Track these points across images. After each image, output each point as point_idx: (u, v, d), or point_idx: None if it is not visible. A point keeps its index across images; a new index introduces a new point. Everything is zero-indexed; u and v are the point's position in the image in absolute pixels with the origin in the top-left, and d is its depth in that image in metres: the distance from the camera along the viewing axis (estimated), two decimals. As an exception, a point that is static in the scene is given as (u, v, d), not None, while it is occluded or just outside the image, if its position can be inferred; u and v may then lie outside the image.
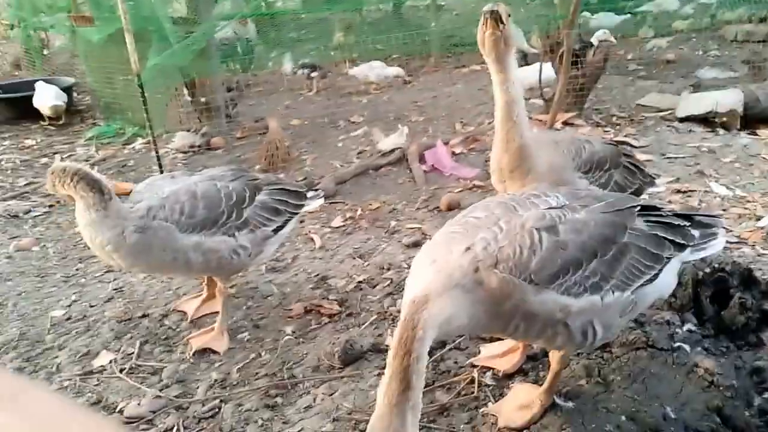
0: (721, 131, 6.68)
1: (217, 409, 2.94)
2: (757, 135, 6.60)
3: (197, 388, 3.10)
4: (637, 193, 3.64)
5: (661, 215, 2.48)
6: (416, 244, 4.39)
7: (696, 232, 2.55)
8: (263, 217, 3.40)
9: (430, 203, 5.18)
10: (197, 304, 3.76)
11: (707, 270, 3.24)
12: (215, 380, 3.15)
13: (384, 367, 3.05)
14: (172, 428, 2.83)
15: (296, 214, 3.61)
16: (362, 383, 3.01)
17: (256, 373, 3.18)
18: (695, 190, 5.16)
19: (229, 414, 2.89)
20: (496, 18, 2.80)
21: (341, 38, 10.09)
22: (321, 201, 3.87)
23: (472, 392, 2.85)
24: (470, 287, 2.05)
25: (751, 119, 6.85)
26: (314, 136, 7.33)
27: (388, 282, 3.93)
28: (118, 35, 5.64)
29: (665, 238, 2.40)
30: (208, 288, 3.81)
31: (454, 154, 6.23)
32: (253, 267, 3.94)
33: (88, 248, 3.28)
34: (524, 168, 3.02)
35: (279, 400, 2.97)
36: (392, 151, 6.13)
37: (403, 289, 3.74)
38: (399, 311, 3.47)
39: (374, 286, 3.91)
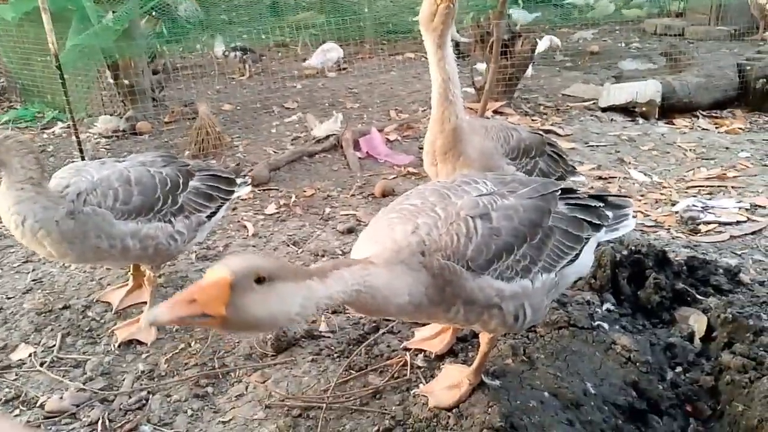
0: (641, 120, 7.04)
1: (144, 401, 2.86)
2: (674, 124, 6.99)
3: (123, 380, 3.01)
4: (560, 180, 3.79)
5: (578, 198, 2.60)
6: (350, 231, 4.40)
7: (610, 213, 2.70)
8: (197, 203, 3.37)
9: (365, 190, 5.20)
10: (122, 294, 3.64)
11: (625, 252, 3.42)
12: (142, 372, 3.06)
13: (318, 353, 3.09)
14: (97, 422, 2.73)
15: (228, 200, 3.59)
16: (295, 370, 3.00)
17: (186, 363, 3.11)
18: (615, 177, 5.42)
19: (157, 405, 2.82)
20: None
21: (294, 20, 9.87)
22: (248, 188, 3.86)
23: (405, 375, 2.90)
24: (416, 267, 2.08)
25: (668, 109, 7.25)
26: (247, 121, 7.19)
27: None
28: (35, 14, 5.33)
29: (584, 220, 2.53)
30: (133, 278, 3.69)
31: (388, 141, 6.27)
32: (183, 255, 3.84)
33: (4, 237, 3.08)
34: (457, 150, 3.08)
35: (209, 389, 2.92)
36: (327, 137, 6.10)
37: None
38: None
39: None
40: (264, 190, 5.24)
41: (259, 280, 1.61)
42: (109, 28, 5.49)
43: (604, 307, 3.24)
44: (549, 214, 2.40)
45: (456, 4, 2.90)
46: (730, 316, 3.00)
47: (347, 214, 4.70)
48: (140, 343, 3.28)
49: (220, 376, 3.00)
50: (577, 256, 2.49)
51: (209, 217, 3.45)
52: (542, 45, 9.47)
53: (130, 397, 2.88)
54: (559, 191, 2.53)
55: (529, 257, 2.29)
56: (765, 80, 7.29)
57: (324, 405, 2.72)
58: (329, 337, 3.24)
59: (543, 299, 2.40)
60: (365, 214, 4.64)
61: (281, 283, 1.65)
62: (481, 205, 2.27)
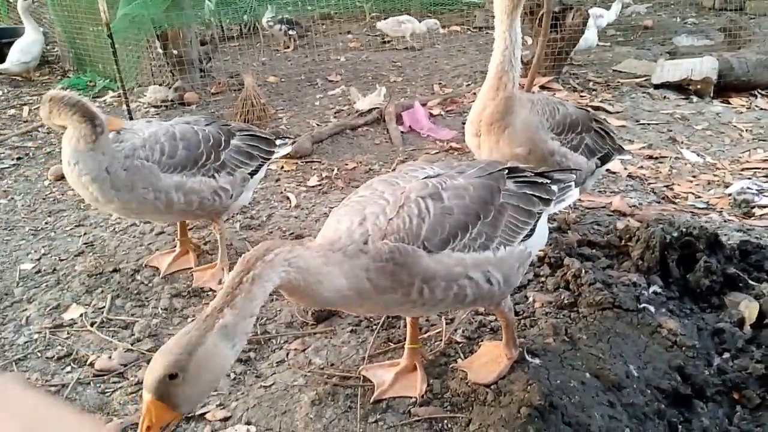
0: (695, 98, 6.76)
1: (189, 364, 2.94)
2: (730, 103, 6.69)
3: (169, 342, 3.10)
4: (606, 158, 3.69)
5: (525, 175, 2.56)
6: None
7: (555, 187, 2.65)
8: (239, 160, 3.49)
9: (412, 158, 5.18)
10: (169, 260, 3.73)
11: (675, 234, 3.31)
12: (188, 335, 3.15)
13: (357, 324, 3.12)
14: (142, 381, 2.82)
15: (268, 159, 3.68)
16: (335, 339, 3.04)
17: (229, 329, 3.18)
18: (666, 157, 5.24)
19: (202, 368, 2.90)
20: None
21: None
22: (288, 149, 3.93)
23: (443, 349, 2.90)
24: (353, 253, 2.04)
25: (724, 87, 6.93)
26: (291, 93, 7.20)
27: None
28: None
29: (533, 195, 2.50)
30: (180, 244, 3.79)
31: (431, 115, 6.20)
32: (228, 223, 3.91)
33: (57, 201, 3.22)
34: (504, 122, 3.04)
35: (252, 354, 2.99)
36: (370, 111, 6.07)
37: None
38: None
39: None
40: (307, 162, 5.27)
41: (172, 376, 1.66)
42: (158, -4, 5.55)
43: (651, 289, 3.16)
44: (498, 191, 2.38)
45: None
46: (786, 301, 2.89)
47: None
48: (188, 305, 3.38)
49: (262, 342, 3.07)
50: (533, 230, 2.48)
51: (251, 174, 3.55)
52: (612, 13, 9.16)
53: (175, 359, 2.97)
54: (506, 170, 2.49)
55: (485, 235, 2.27)
56: (832, 58, 6.89)
57: (362, 375, 2.75)
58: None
59: (512, 269, 2.37)
60: (407, 189, 4.62)
61: (194, 361, 1.66)
62: (431, 185, 2.25)
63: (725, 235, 3.65)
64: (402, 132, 5.74)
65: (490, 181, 2.40)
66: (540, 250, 3.30)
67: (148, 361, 2.94)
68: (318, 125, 6.12)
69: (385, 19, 9.50)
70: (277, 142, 3.82)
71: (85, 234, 4.21)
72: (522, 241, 2.44)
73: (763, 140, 5.56)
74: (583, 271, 3.17)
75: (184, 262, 3.74)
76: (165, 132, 3.28)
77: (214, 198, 3.35)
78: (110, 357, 2.98)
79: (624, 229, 3.59)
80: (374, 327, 3.10)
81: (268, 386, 2.75)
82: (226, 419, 2.59)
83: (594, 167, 3.53)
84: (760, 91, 7.02)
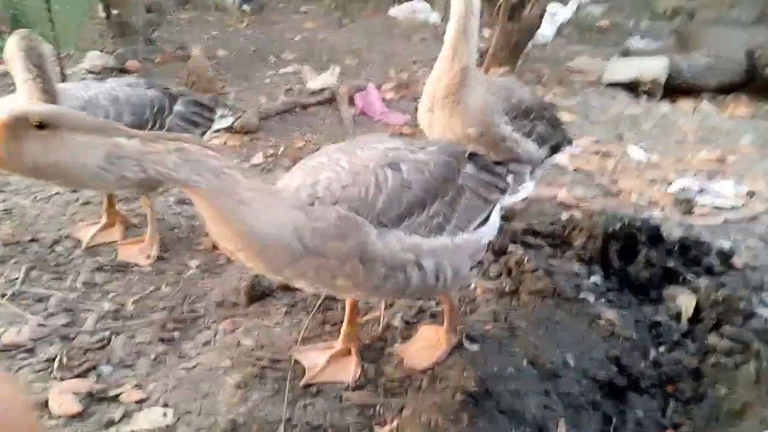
0: (644, 98, 6.86)
1: (106, 341, 2.74)
2: (677, 105, 6.82)
3: (86, 318, 2.88)
4: (557, 147, 3.64)
5: (484, 160, 2.49)
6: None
7: (510, 178, 2.59)
8: (182, 128, 3.29)
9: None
10: (94, 231, 3.48)
11: (617, 226, 3.30)
12: (107, 311, 2.93)
13: (293, 305, 2.98)
14: (54, 358, 2.61)
15: (210, 128, 3.47)
16: (267, 320, 2.89)
17: (153, 307, 2.99)
18: (613, 153, 5.27)
19: (120, 346, 2.70)
20: None
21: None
22: (230, 120, 3.73)
23: (379, 333, 2.79)
24: (292, 206, 1.88)
25: (673, 89, 7.07)
26: (241, 69, 6.93)
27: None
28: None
29: (490, 182, 2.43)
30: (107, 215, 3.54)
31: (384, 99, 6.07)
32: (166, 186, 3.68)
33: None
34: (458, 96, 2.93)
35: (176, 334, 2.80)
36: (322, 90, 5.89)
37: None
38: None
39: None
40: (252, 138, 5.05)
41: (41, 127, 1.53)
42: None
43: (592, 279, 3.14)
44: (458, 172, 2.29)
45: None
46: (721, 297, 2.92)
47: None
48: (110, 280, 3.16)
49: (188, 322, 2.89)
50: (488, 218, 2.39)
51: None
52: (568, 11, 9.22)
53: (91, 336, 2.76)
54: (467, 153, 2.41)
55: (443, 215, 2.16)
56: (773, 67, 7.12)
57: (293, 358, 2.61)
58: (304, 293, 3.11)
59: (465, 260, 2.26)
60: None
61: (73, 133, 1.56)
62: (390, 156, 2.13)
63: (666, 230, 3.64)
64: (354, 114, 5.59)
65: (451, 159, 2.29)
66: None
67: (61, 337, 2.76)
68: (267, 102, 5.90)
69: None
70: (218, 111, 3.64)
71: (3, 201, 3.90)
72: (477, 228, 2.34)
73: (707, 142, 5.66)
74: (526, 258, 3.12)
75: (110, 235, 3.50)
76: (107, 96, 3.05)
77: None
78: (19, 331, 2.74)
79: (568, 219, 3.57)
80: (310, 309, 2.96)
81: (191, 367, 2.59)
82: (141, 401, 2.40)
83: (544, 156, 3.48)
84: (706, 94, 7.18)
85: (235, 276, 3.18)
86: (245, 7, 9.13)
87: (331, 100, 5.82)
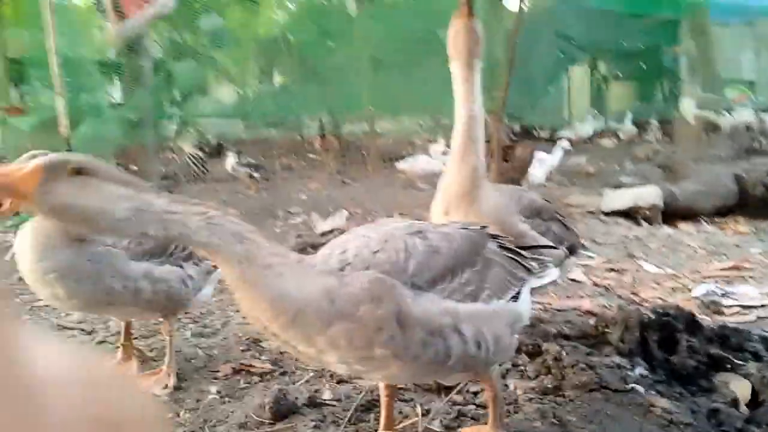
0: (644, 224, 7.02)
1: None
2: (678, 228, 6.96)
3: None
4: (573, 249, 3.66)
5: (506, 241, 2.48)
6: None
7: (533, 263, 2.54)
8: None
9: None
10: (110, 365, 3.35)
11: (652, 316, 3.21)
12: (124, 441, 2.71)
13: (321, 420, 2.77)
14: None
15: None
16: (295, 437, 2.67)
17: (173, 433, 2.78)
18: (627, 269, 5.27)
19: (138, 473, 2.46)
20: (470, 3, 2.85)
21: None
22: None
23: (419, 439, 2.57)
24: (321, 272, 1.84)
25: (670, 214, 7.26)
26: (251, 223, 7.14)
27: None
28: (50, 121, 5.53)
29: (515, 260, 2.40)
30: (123, 350, 3.43)
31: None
32: (190, 309, 3.60)
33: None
34: (472, 196, 2.98)
35: (200, 460, 2.57)
36: (331, 231, 6.04)
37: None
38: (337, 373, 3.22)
39: (311, 347, 3.62)
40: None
41: (79, 172, 1.57)
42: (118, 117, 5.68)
43: (637, 371, 2.97)
44: (483, 247, 2.27)
45: (476, 21, 2.88)
46: (777, 375, 2.74)
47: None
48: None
49: (212, 446, 2.66)
50: (518, 294, 2.33)
51: (215, 266, 3.33)
52: (555, 157, 9.76)
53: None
54: (488, 229, 2.42)
55: (475, 283, 2.10)
56: (764, 188, 7.40)
57: (327, 471, 2.37)
58: (334, 405, 2.92)
59: (504, 329, 2.15)
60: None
61: (105, 183, 1.59)
62: (416, 227, 2.15)
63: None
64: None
65: (475, 234, 2.30)
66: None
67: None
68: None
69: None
70: None
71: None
72: (512, 300, 2.29)
73: (717, 255, 5.71)
74: (564, 353, 2.98)
75: (126, 370, 3.36)
76: None
77: (181, 286, 3.11)
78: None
79: (599, 317, 3.47)
80: (339, 422, 2.75)
81: (217, 487, 2.33)
82: None
83: (563, 256, 3.48)
84: (703, 217, 7.37)
85: (259, 396, 3.00)
86: (255, 174, 9.68)
87: (341, 240, 5.93)
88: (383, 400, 2.43)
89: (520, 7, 7.80)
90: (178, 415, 2.93)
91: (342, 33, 13.61)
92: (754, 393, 2.84)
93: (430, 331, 1.90)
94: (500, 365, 2.72)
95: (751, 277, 4.93)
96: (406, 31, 12.96)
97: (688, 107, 11.61)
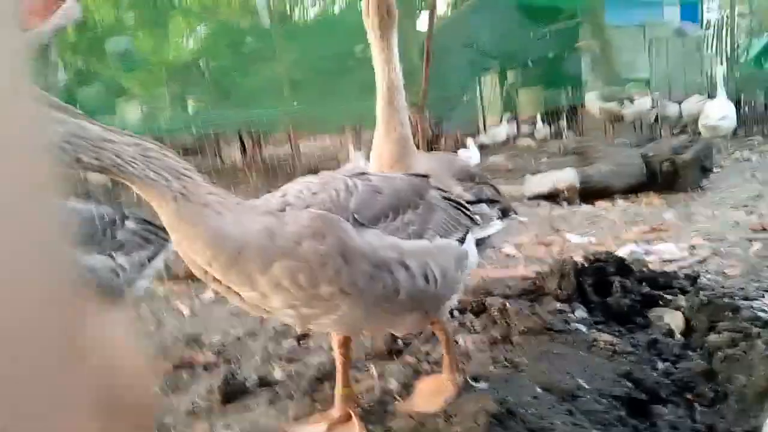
0: (565, 204, 7.34)
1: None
2: (595, 205, 7.31)
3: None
4: (506, 211, 3.75)
5: (447, 192, 2.52)
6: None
7: (476, 216, 2.59)
8: (136, 243, 3.10)
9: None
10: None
11: (585, 263, 3.34)
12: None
13: (275, 395, 2.68)
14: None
15: (164, 247, 3.33)
16: (249, 414, 2.57)
17: None
18: (554, 241, 5.47)
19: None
20: None
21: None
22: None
23: (377, 397, 2.54)
24: (261, 212, 1.80)
25: (587, 194, 7.62)
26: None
27: (272, 330, 3.56)
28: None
29: (459, 209, 2.43)
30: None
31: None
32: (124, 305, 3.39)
33: None
34: (404, 163, 2.99)
35: (146, 446, 2.42)
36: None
37: (287, 335, 3.43)
38: (285, 353, 3.14)
39: (256, 336, 3.52)
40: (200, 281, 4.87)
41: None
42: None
43: (577, 314, 3.08)
44: (425, 191, 2.28)
45: None
46: (706, 299, 2.92)
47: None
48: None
49: (158, 435, 2.51)
50: (463, 239, 2.36)
51: (149, 259, 3.18)
52: (475, 153, 9.97)
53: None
54: (430, 179, 2.43)
55: (417, 223, 2.10)
56: (669, 162, 7.91)
57: (289, 434, 2.30)
58: (284, 382, 2.84)
59: (450, 263, 2.16)
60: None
61: (43, 106, 1.45)
62: (358, 171, 2.17)
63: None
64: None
65: (417, 180, 2.31)
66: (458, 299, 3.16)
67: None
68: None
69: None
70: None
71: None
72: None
73: (635, 224, 6.02)
74: (508, 305, 3.04)
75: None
76: None
77: (111, 278, 2.92)
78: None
79: (537, 274, 3.57)
80: (294, 396, 2.67)
81: (170, 468, 2.21)
82: None
83: (496, 216, 3.56)
84: (618, 195, 7.78)
85: (205, 385, 2.87)
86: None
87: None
88: (338, 359, 2.38)
89: (431, 12, 8.09)
90: (119, 413, 2.75)
91: (257, 54, 13.57)
92: (687, 323, 3.00)
93: (375, 264, 1.86)
94: (450, 314, 2.73)
95: (669, 237, 5.23)
96: (322, 49, 13.09)
97: (593, 101, 12.29)
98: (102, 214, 3.09)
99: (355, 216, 1.90)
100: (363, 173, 2.12)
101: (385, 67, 2.88)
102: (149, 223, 3.37)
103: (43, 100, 1.44)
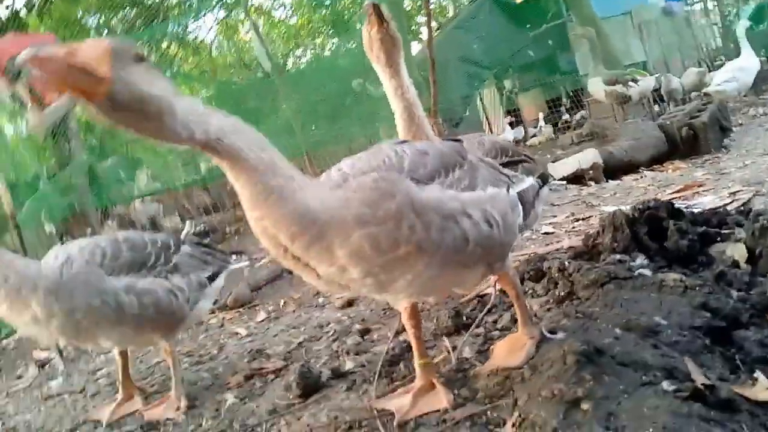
0: (592, 184, 7.30)
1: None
2: (623, 180, 7.27)
3: (129, 472, 2.46)
4: (544, 178, 3.75)
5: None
6: (350, 303, 4.11)
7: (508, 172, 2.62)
8: (192, 264, 3.16)
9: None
10: (113, 407, 3.13)
11: (635, 214, 3.31)
12: (150, 459, 2.54)
13: (353, 383, 2.67)
14: None
15: (225, 267, 3.37)
16: (330, 403, 2.56)
17: (201, 438, 2.61)
18: (591, 215, 5.43)
19: (177, 477, 2.30)
20: (379, 13, 2.91)
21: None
22: (247, 263, 3.70)
23: (453, 366, 2.53)
24: (330, 187, 1.85)
25: (612, 172, 7.58)
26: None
27: (332, 332, 3.57)
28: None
29: (497, 170, 2.47)
30: (123, 389, 3.22)
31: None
32: (188, 326, 3.41)
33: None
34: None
35: (234, 452, 2.42)
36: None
37: (348, 333, 3.43)
38: (351, 348, 3.13)
39: (319, 339, 3.53)
40: (249, 308, 4.91)
41: (141, 59, 1.46)
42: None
43: (638, 261, 3.04)
44: (465, 153, 2.30)
45: (389, 26, 2.86)
46: (766, 221, 2.87)
47: (342, 296, 4.41)
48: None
49: (245, 434, 2.51)
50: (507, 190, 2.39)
51: (210, 279, 3.21)
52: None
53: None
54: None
55: (467, 179, 2.14)
56: (687, 127, 7.87)
57: (374, 409, 2.29)
58: (358, 371, 2.83)
59: (506, 208, 2.19)
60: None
61: (159, 73, 1.50)
62: (400, 140, 2.25)
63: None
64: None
65: (455, 143, 2.34)
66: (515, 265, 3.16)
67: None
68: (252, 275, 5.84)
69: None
70: (233, 257, 3.60)
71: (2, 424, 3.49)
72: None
73: (667, 186, 5.98)
74: (567, 262, 3.02)
75: (130, 407, 3.15)
76: (105, 238, 3.04)
77: (170, 298, 2.96)
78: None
79: (587, 235, 3.55)
80: (371, 379, 2.66)
81: (265, 458, 2.20)
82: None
83: (537, 186, 3.56)
84: (642, 168, 7.73)
85: (280, 387, 2.87)
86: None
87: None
88: (410, 332, 2.37)
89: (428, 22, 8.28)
90: (201, 425, 2.76)
91: (265, 100, 13.92)
92: (750, 252, 2.95)
93: (443, 215, 1.90)
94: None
95: (706, 192, 5.18)
96: (324, 86, 13.45)
97: (597, 86, 12.29)
98: (156, 239, 3.15)
99: (411, 175, 1.94)
100: (405, 141, 2.17)
101: (398, 90, 2.88)
102: (207, 245, 3.43)
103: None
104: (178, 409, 2.98)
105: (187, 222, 9.41)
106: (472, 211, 2.00)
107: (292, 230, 1.70)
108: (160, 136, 1.51)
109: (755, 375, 2.02)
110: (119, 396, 3.21)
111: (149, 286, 2.91)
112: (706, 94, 10.46)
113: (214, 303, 4.98)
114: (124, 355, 3.22)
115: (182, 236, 9.20)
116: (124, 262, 2.88)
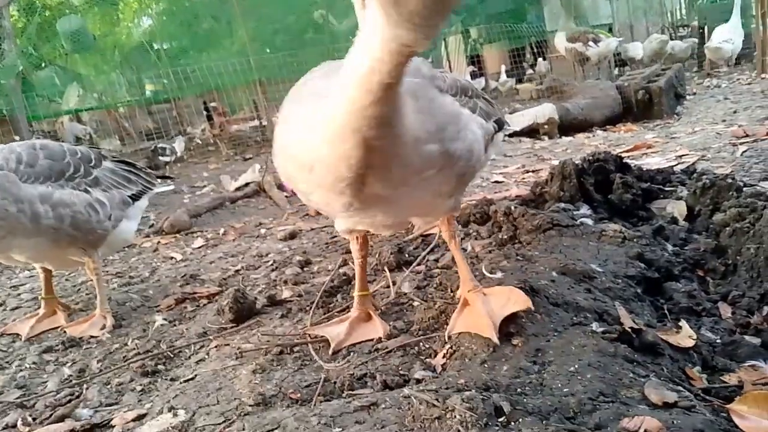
0: (546, 138, 7.34)
1: (76, 394, 2.23)
2: (576, 137, 7.33)
3: (44, 387, 2.36)
4: (500, 123, 3.71)
5: None
6: (292, 236, 4.03)
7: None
8: (115, 180, 2.98)
9: (300, 213, 4.87)
10: (33, 322, 2.99)
11: (584, 164, 3.32)
12: (69, 375, 2.43)
13: (288, 311, 2.62)
14: (15, 424, 2.07)
15: (149, 189, 3.20)
16: (264, 328, 2.50)
17: (125, 357, 2.52)
18: (541, 168, 5.46)
19: (95, 393, 2.21)
20: None
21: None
22: (171, 187, 3.56)
23: (391, 299, 2.50)
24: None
25: (566, 128, 7.64)
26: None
27: (272, 262, 3.49)
28: None
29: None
30: (45, 304, 3.07)
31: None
32: (111, 249, 3.23)
33: None
34: None
35: (161, 367, 2.35)
36: (246, 185, 5.79)
37: (288, 264, 3.36)
38: (290, 278, 3.07)
39: (257, 268, 3.45)
40: (187, 234, 4.75)
41: None
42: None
43: (581, 210, 3.06)
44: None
45: None
46: (708, 182, 2.92)
47: (285, 228, 4.32)
48: (64, 355, 2.67)
49: (172, 355, 2.44)
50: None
51: (132, 198, 3.05)
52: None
53: (57, 394, 2.24)
54: None
55: (472, 102, 2.29)
56: (643, 91, 7.95)
57: (309, 335, 2.25)
58: (295, 300, 2.78)
59: (479, 135, 2.16)
60: (306, 224, 4.31)
61: None
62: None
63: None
64: (286, 195, 5.48)
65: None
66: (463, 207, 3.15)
67: (19, 406, 2.21)
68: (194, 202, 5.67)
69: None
70: (157, 181, 3.42)
71: None
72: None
73: (618, 145, 6.06)
74: (512, 207, 3.01)
75: (52, 322, 3.01)
76: (21, 143, 2.81)
77: (89, 212, 2.79)
78: (-39, 414, 2.17)
79: (536, 182, 3.55)
80: (307, 308, 2.62)
81: (191, 378, 2.14)
82: (141, 416, 1.93)
83: (492, 130, 3.51)
84: (596, 127, 7.82)
85: (212, 313, 2.79)
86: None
87: (258, 192, 5.70)
88: (358, 263, 2.31)
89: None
90: (126, 344, 2.66)
91: (220, 22, 13.15)
92: (689, 210, 3.01)
93: (461, 125, 1.95)
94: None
95: (654, 153, 5.27)
96: (282, 18, 12.78)
97: (561, 42, 12.26)
98: (75, 150, 2.95)
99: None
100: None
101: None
102: (131, 164, 3.25)
103: None
104: (103, 327, 2.87)
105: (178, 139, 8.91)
106: (473, 127, 2.06)
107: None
108: None
109: (680, 323, 2.07)
110: (41, 311, 3.07)
111: (66, 198, 2.74)
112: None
113: (150, 227, 4.85)
114: (47, 269, 3.06)
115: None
116: (40, 170, 2.70)
